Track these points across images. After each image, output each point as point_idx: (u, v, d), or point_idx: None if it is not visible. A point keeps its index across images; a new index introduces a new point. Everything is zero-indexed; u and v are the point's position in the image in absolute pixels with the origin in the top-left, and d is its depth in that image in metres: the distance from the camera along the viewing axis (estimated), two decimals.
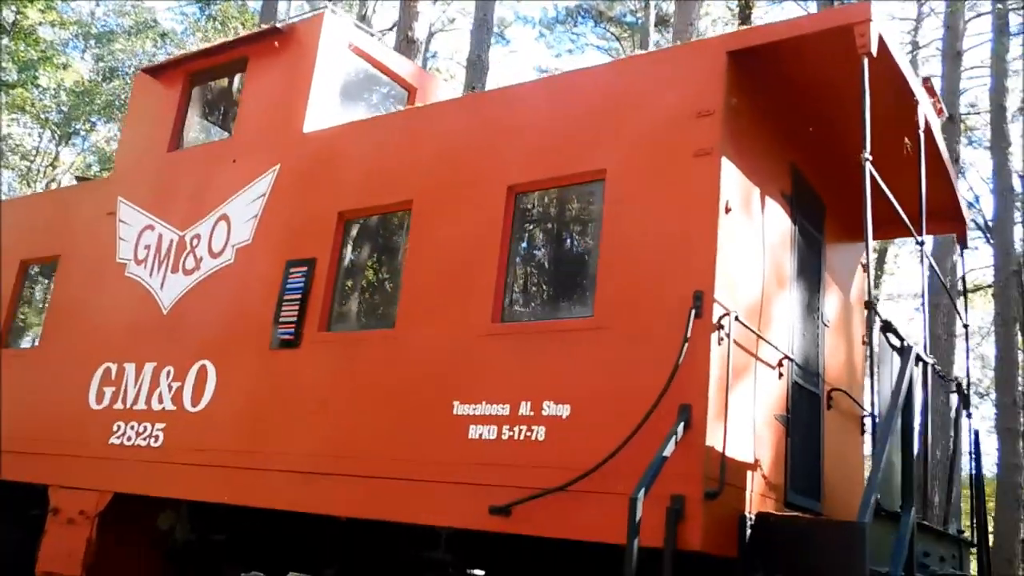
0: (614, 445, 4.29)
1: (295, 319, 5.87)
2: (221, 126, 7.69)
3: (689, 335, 4.22)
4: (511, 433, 4.69)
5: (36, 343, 7.67)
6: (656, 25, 29.72)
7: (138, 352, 6.71)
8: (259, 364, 5.95)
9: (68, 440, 6.85)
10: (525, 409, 4.68)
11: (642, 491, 3.83)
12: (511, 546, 4.88)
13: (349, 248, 6.01)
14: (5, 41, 25.52)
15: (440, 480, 4.84)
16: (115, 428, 6.59)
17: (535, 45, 58.56)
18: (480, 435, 4.79)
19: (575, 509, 4.34)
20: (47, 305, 7.74)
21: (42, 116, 32.85)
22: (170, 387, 6.39)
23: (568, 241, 5.33)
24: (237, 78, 7.60)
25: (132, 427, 6.49)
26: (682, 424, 4.12)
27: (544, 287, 5.29)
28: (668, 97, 4.78)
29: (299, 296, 5.91)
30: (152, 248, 7.02)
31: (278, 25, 6.81)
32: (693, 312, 4.25)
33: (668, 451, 4.02)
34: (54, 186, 37.54)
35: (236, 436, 5.85)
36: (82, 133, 37.08)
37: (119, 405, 6.66)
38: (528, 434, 4.63)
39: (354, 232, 6.05)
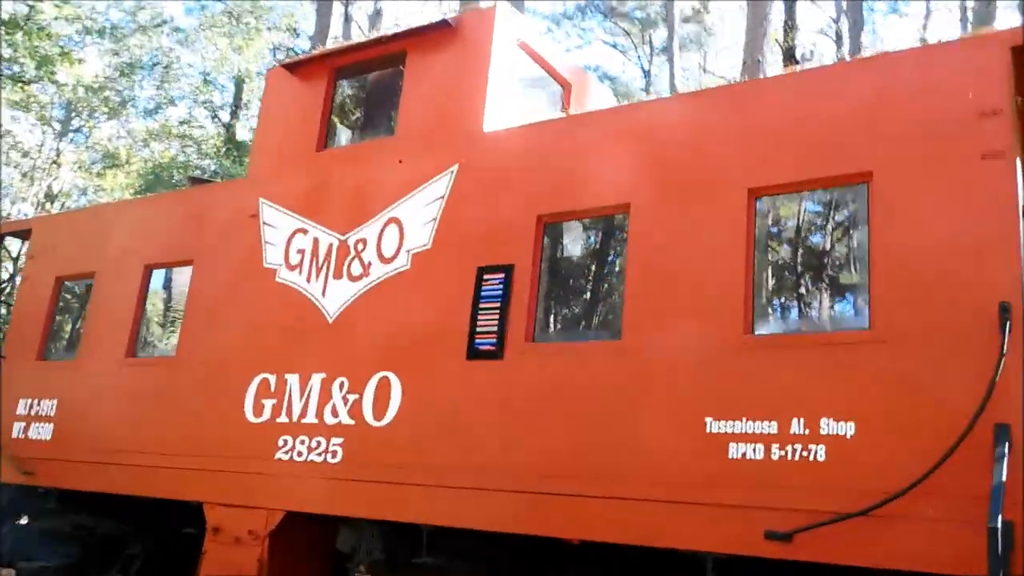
0: (909, 467, 4.04)
1: (495, 329, 5.56)
2: (363, 125, 7.34)
3: (1006, 350, 3.96)
4: (782, 453, 4.42)
5: (172, 352, 7.30)
6: (682, 21, 29.55)
7: (301, 363, 6.38)
8: (455, 376, 5.64)
9: (224, 455, 6.52)
10: (798, 427, 4.41)
11: (999, 520, 3.57)
12: (779, 572, 4.60)
13: (551, 253, 5.70)
14: (19, 36, 24.99)
15: (700, 502, 4.56)
16: (281, 443, 6.26)
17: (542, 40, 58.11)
18: (743, 454, 4.52)
19: (874, 535, 4.08)
20: (182, 312, 7.37)
21: (45, 114, 32.29)
22: (345, 400, 6.07)
23: (825, 248, 5.04)
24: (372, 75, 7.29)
25: (302, 442, 6.16)
26: (1007, 445, 3.86)
27: (800, 297, 5.01)
28: (942, 95, 4.50)
29: (498, 304, 5.61)
30: (307, 253, 6.69)
31: (447, 19, 6.48)
32: (1008, 325, 3.99)
33: (1004, 475, 3.76)
34: (56, 184, 37.03)
35: (435, 451, 5.54)
36: (84, 130, 36.52)
37: (283, 418, 6.33)
38: (804, 454, 4.36)
39: (556, 236, 5.74)
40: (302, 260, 6.71)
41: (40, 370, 8.19)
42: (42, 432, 7.84)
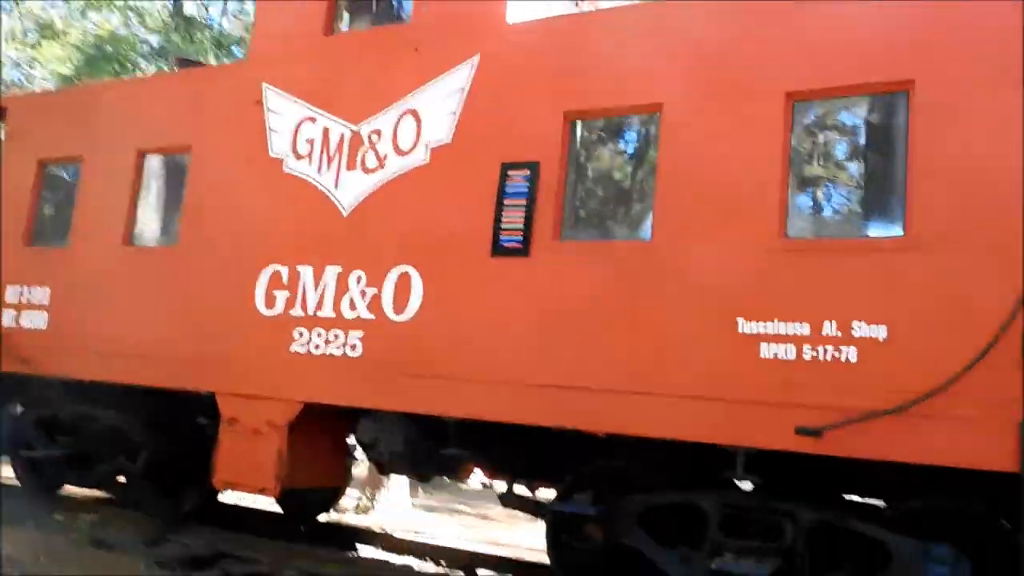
0: (940, 370, 4.24)
1: (521, 226, 5.57)
2: (369, 11, 7.04)
3: None
4: (814, 353, 4.58)
5: (173, 241, 7.16)
6: None
7: (315, 255, 6.33)
8: (478, 272, 5.66)
9: (235, 346, 6.51)
10: (830, 329, 4.56)
11: None
12: (807, 466, 4.84)
13: (577, 151, 5.66)
14: None
15: (731, 399, 4.74)
16: (296, 335, 6.27)
17: None
18: (775, 354, 4.68)
19: (905, 432, 4.30)
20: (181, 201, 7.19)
21: None
22: (363, 293, 6.07)
23: (862, 156, 5.08)
24: None
25: (319, 334, 6.18)
26: None
27: (835, 202, 5.09)
28: (989, 10, 4.50)
29: (523, 202, 5.59)
30: (317, 142, 6.54)
31: None
32: None
33: None
34: None
35: (458, 346, 5.61)
36: None
37: (298, 311, 6.32)
38: (836, 355, 4.53)
39: (583, 134, 5.69)
40: (311, 150, 6.56)
41: (28, 257, 7.98)
42: (36, 321, 7.70)
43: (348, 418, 6.42)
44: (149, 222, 7.56)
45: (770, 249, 4.80)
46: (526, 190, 5.59)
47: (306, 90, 6.67)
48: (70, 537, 6.94)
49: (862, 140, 5.09)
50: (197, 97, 7.26)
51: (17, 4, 35.11)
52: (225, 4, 31.92)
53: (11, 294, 7.92)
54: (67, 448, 7.72)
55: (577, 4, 6.52)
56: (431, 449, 5.95)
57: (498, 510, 9.04)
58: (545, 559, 6.10)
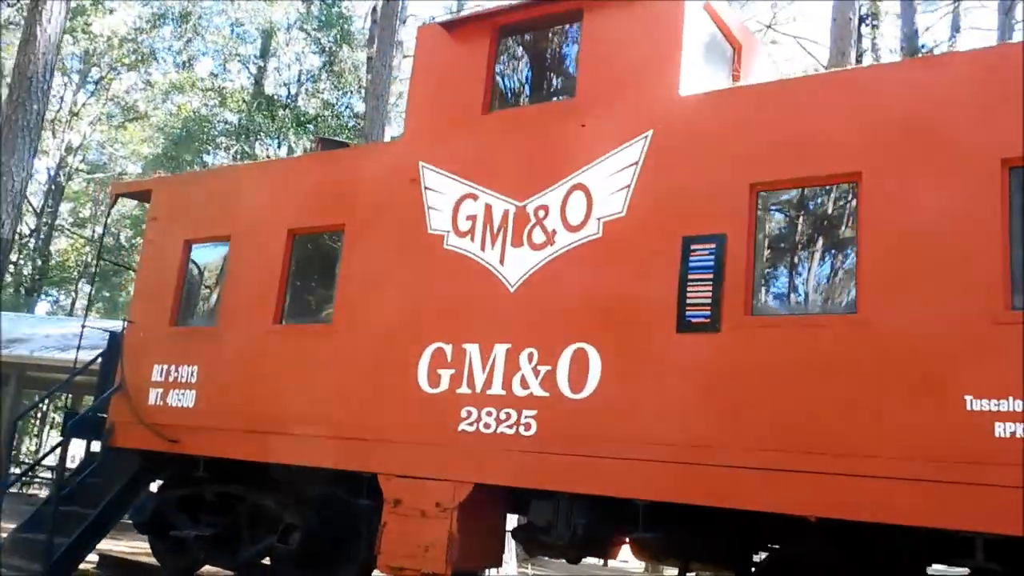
0: None
1: (709, 300, 5.42)
2: (531, 87, 7.08)
3: None
4: None
5: (327, 319, 7.15)
6: None
7: (481, 333, 6.24)
8: (663, 348, 5.51)
9: (399, 425, 6.41)
10: None
11: None
12: None
13: (765, 223, 5.54)
14: None
15: (965, 482, 4.46)
16: (464, 414, 6.15)
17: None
18: (1012, 433, 4.41)
19: None
20: (335, 278, 7.20)
21: (64, 64, 31.85)
22: (536, 371, 5.94)
23: None
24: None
25: (489, 413, 6.05)
26: None
27: None
28: None
29: (710, 276, 5.45)
30: (479, 219, 6.51)
31: None
32: None
33: None
34: (76, 137, 36.59)
35: (643, 424, 5.43)
36: (103, 83, 35.95)
37: (464, 389, 6.21)
38: None
39: (769, 205, 5.57)
40: (473, 227, 6.53)
41: (175, 336, 8.06)
42: (183, 399, 7.72)
43: (508, 499, 6.26)
44: (300, 301, 7.59)
45: (993, 322, 4.56)
46: (712, 263, 5.46)
47: (466, 168, 6.68)
48: None
49: None
50: (349, 176, 7.33)
51: (104, 89, 36.65)
52: (300, 86, 33.05)
53: (157, 373, 7.98)
54: (213, 528, 7.64)
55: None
56: (618, 532, 5.73)
57: None
58: None
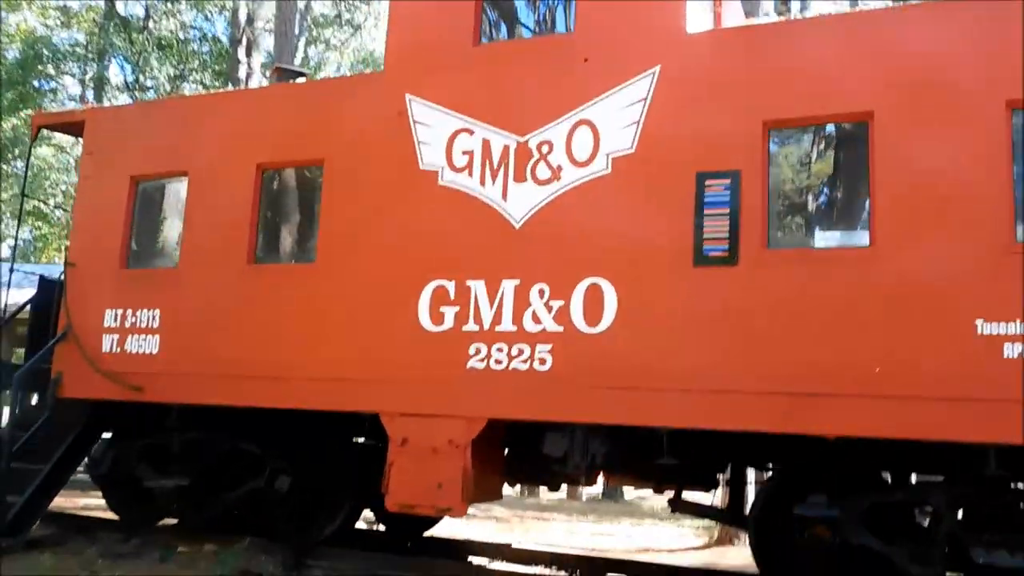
0: None
1: (726, 235, 5.63)
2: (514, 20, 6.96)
3: None
4: None
5: (311, 258, 6.93)
6: None
7: (487, 269, 6.24)
8: (680, 282, 5.69)
9: (402, 364, 6.36)
10: None
11: None
12: None
13: (779, 160, 5.76)
14: None
15: (976, 398, 4.91)
16: (473, 351, 6.17)
17: None
18: (1020, 354, 4.87)
19: None
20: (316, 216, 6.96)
21: None
22: (548, 307, 6.02)
23: None
24: None
25: (500, 350, 6.10)
26: None
27: None
28: None
29: (726, 211, 5.65)
30: (477, 154, 6.44)
31: None
32: None
33: None
34: None
35: (665, 356, 5.62)
36: None
37: (472, 327, 6.21)
38: None
39: (781, 142, 5.79)
40: (470, 162, 6.46)
41: (128, 279, 7.59)
42: (145, 345, 7.34)
43: (516, 432, 6.39)
44: (274, 239, 7.30)
45: (1003, 252, 4.98)
46: (728, 199, 5.66)
47: (458, 101, 6.56)
48: (199, 569, 6.68)
49: None
50: (327, 109, 7.04)
51: None
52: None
53: (110, 319, 7.53)
54: (185, 477, 7.38)
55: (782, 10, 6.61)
56: (643, 460, 5.96)
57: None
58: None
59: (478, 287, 6.26)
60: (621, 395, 5.71)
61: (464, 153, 6.49)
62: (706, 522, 14.27)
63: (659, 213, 5.83)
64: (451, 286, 6.34)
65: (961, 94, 5.22)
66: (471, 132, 6.50)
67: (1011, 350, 4.90)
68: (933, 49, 5.33)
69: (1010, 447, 4.91)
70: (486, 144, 6.43)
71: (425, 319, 6.37)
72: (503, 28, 6.94)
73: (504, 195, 6.31)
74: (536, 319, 6.04)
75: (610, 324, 5.83)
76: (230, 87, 18.01)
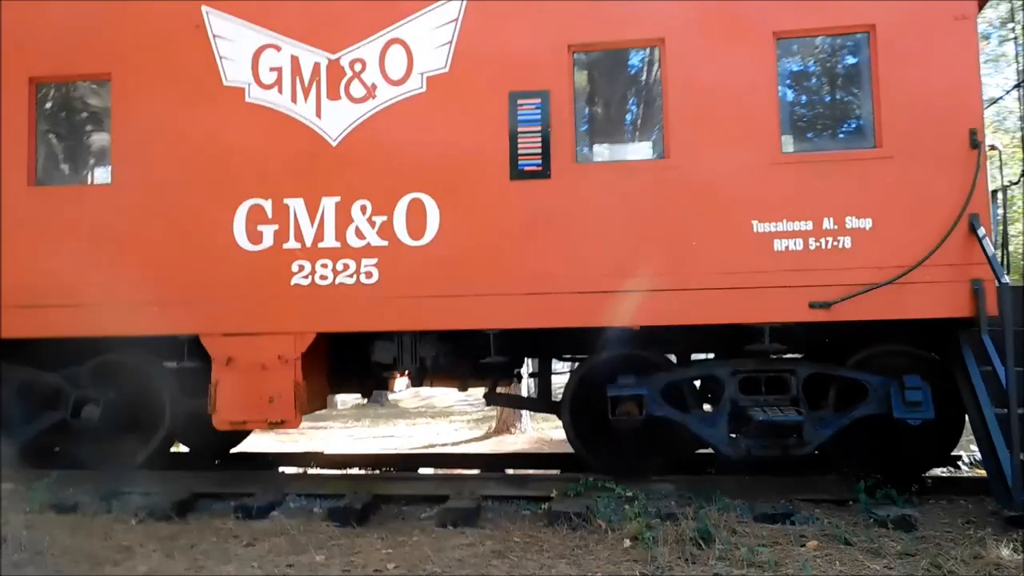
0: (914, 249, 5.71)
1: (539, 151, 6.11)
2: None
3: (981, 163, 5.68)
4: (817, 244, 5.83)
5: (105, 179, 6.54)
6: None
7: (304, 187, 6.30)
8: (498, 195, 6.12)
9: (220, 284, 6.30)
10: (828, 224, 5.83)
11: (1006, 279, 5.37)
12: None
13: (583, 81, 6.27)
14: None
15: (754, 286, 5.85)
16: (296, 268, 6.26)
17: None
18: (786, 247, 5.85)
19: (893, 297, 5.73)
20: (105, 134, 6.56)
21: None
22: (372, 222, 6.23)
23: (835, 86, 6.26)
24: None
25: (324, 266, 6.24)
26: (982, 229, 5.65)
27: (818, 123, 6.22)
28: None
29: (538, 128, 6.13)
30: (286, 71, 6.39)
31: None
32: (981, 146, 5.69)
33: (990, 250, 5.55)
34: None
35: (487, 264, 6.06)
36: None
37: (292, 244, 6.28)
38: (835, 244, 5.82)
39: (584, 64, 6.29)
40: (279, 79, 6.40)
41: None
42: None
43: (343, 342, 6.63)
44: (55, 159, 6.79)
45: (771, 163, 5.90)
46: (539, 117, 6.12)
47: (260, 16, 6.43)
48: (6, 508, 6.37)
49: (837, 71, 6.29)
50: (110, 19, 6.58)
51: None
52: None
53: None
54: None
55: None
56: (461, 361, 6.41)
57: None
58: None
59: (297, 205, 6.31)
60: (448, 303, 6.10)
61: (272, 70, 6.41)
62: (477, 415, 15.24)
63: (476, 130, 6.18)
64: (268, 205, 6.33)
65: (739, 24, 5.99)
66: (278, 48, 6.41)
67: (780, 245, 5.86)
68: None
69: (782, 325, 5.92)
70: (295, 61, 6.39)
71: (242, 239, 6.33)
72: None
73: (318, 113, 6.35)
74: (360, 234, 6.23)
75: (433, 237, 6.17)
76: None
